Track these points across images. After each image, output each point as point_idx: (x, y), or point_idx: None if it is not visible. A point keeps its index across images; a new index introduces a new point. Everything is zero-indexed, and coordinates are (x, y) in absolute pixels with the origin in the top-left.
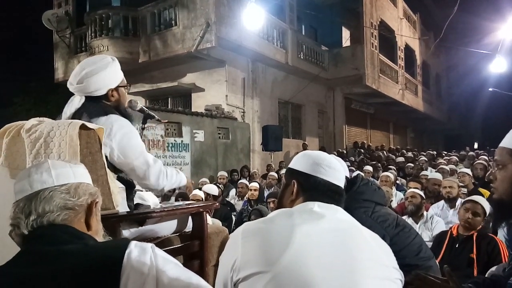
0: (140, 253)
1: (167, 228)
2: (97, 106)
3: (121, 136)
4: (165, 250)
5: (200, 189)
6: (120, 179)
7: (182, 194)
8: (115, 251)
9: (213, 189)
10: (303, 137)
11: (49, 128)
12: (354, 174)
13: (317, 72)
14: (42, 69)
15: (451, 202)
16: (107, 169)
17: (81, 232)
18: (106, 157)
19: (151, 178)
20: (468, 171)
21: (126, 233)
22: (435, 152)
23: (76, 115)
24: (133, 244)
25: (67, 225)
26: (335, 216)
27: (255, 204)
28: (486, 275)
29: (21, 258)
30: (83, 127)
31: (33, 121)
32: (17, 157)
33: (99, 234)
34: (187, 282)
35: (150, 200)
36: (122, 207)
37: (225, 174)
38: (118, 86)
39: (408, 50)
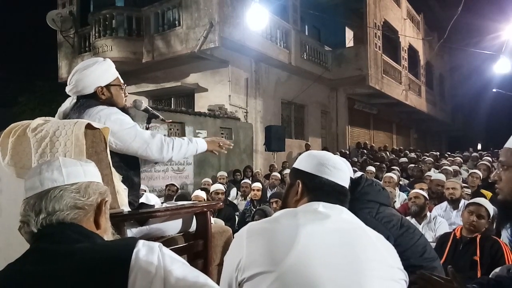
0: (148, 252)
1: (173, 227)
2: (86, 102)
3: (111, 124)
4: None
5: (202, 189)
6: (123, 178)
7: (182, 196)
8: (123, 250)
9: (221, 188)
10: (306, 137)
11: (55, 128)
12: (356, 174)
13: (320, 73)
14: (46, 69)
15: (454, 203)
16: (112, 168)
17: (90, 231)
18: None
19: (154, 154)
20: (479, 172)
21: (130, 232)
22: (438, 153)
23: (67, 114)
24: (141, 243)
25: (77, 224)
26: (340, 216)
27: (258, 204)
28: (490, 276)
29: (30, 256)
30: (89, 126)
31: (39, 120)
32: (23, 156)
33: (107, 232)
34: (194, 281)
35: (153, 200)
36: (126, 206)
37: (225, 174)
38: (110, 85)
39: (412, 50)
